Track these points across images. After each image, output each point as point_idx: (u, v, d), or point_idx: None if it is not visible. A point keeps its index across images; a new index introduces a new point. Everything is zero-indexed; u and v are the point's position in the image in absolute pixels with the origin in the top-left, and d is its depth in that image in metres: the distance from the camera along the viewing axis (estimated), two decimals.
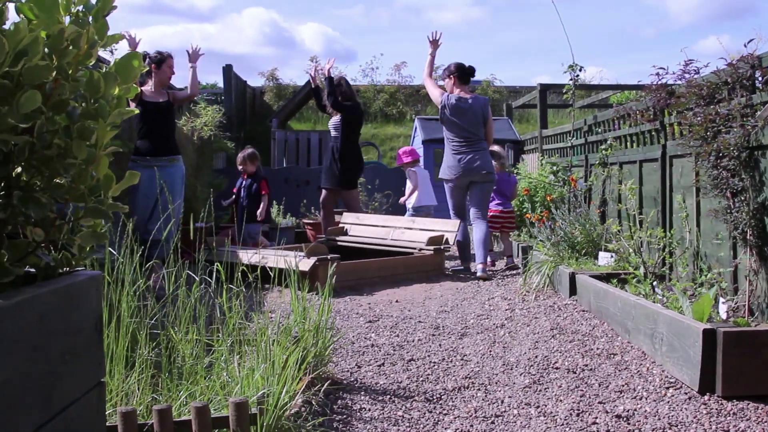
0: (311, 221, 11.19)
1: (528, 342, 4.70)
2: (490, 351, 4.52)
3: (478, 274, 7.50)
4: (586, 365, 4.11)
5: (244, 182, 9.55)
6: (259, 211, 9.18)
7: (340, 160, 9.11)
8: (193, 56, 7.58)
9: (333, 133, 9.29)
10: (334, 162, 9.15)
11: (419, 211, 9.57)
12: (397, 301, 6.29)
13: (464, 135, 7.83)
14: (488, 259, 7.97)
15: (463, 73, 8.06)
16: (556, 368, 4.10)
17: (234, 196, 9.61)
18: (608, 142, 7.37)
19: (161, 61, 7.29)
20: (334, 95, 8.91)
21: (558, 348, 4.50)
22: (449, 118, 7.88)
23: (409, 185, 9.85)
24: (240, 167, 9.63)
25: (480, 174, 7.81)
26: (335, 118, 9.22)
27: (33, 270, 1.75)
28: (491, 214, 8.47)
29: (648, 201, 6.25)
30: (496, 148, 8.66)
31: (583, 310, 5.45)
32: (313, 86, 9.58)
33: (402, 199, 10.05)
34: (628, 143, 7.04)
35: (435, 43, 8.24)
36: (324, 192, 9.33)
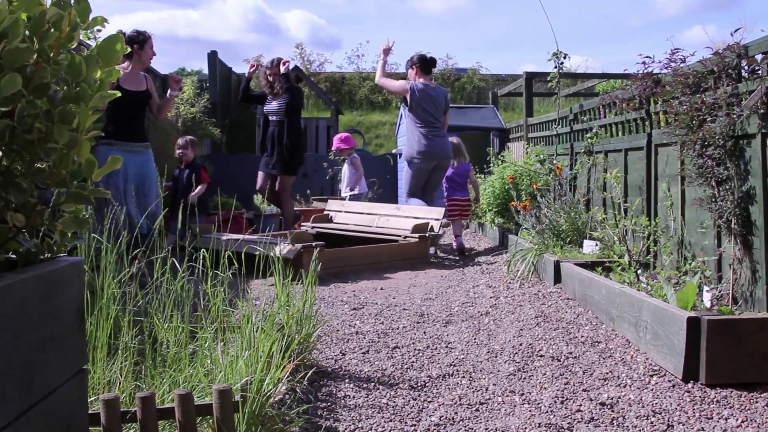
0: (297, 209, 11.17)
1: (512, 330, 4.70)
2: (475, 338, 4.52)
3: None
4: (571, 353, 4.12)
5: (181, 171, 8.85)
6: (192, 195, 8.17)
7: (292, 145, 9.05)
8: (175, 85, 7.19)
9: (275, 117, 9.13)
10: (282, 147, 9.02)
11: (359, 198, 9.63)
12: (381, 289, 6.29)
13: (432, 121, 8.39)
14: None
15: (425, 64, 8.72)
16: (541, 356, 4.11)
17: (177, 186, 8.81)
18: (594, 130, 7.37)
19: (144, 42, 6.86)
20: (288, 78, 8.92)
21: (542, 336, 4.51)
22: (420, 104, 8.37)
23: (347, 172, 9.85)
24: (179, 153, 8.92)
25: (446, 159, 8.59)
26: (276, 103, 9.09)
27: (14, 256, 1.73)
28: (454, 202, 8.95)
29: (633, 189, 6.26)
30: (455, 140, 9.07)
31: (568, 298, 5.46)
32: (247, 76, 9.48)
33: (344, 187, 10.05)
34: (614, 132, 7.04)
35: (387, 51, 8.97)
36: (280, 178, 9.18)
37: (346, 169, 10.07)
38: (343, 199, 9.85)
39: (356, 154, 10.35)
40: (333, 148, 10.21)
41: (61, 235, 1.84)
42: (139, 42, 6.83)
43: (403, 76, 9.24)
